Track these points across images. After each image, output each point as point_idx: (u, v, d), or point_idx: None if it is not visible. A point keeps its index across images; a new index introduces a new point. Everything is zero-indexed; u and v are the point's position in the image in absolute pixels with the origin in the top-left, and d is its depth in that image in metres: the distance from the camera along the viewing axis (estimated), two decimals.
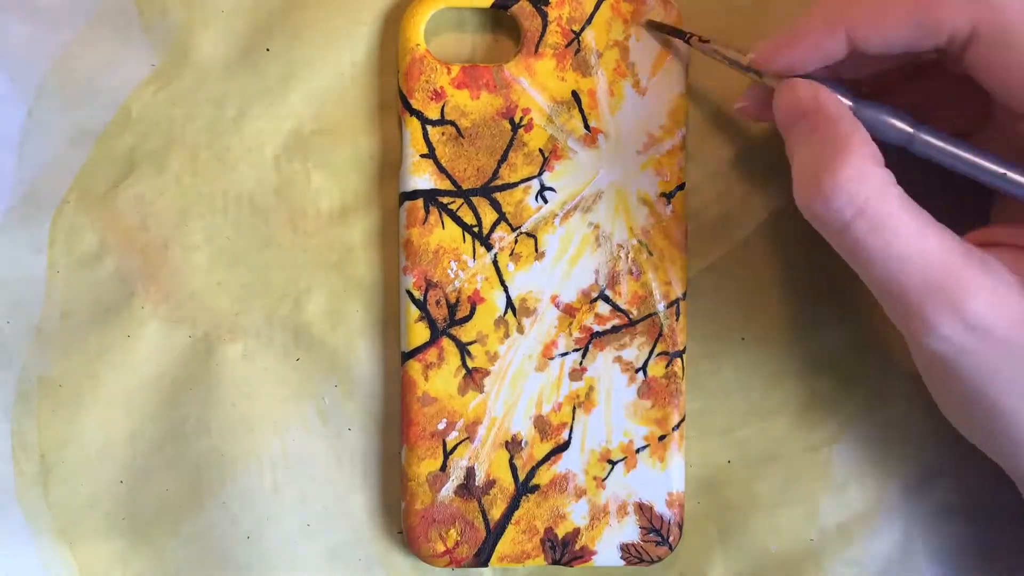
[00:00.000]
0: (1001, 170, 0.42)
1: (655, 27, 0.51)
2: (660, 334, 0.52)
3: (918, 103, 0.47)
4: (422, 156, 0.51)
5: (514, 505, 0.52)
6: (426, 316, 0.51)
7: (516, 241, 0.51)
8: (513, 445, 0.52)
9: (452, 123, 0.51)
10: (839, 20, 0.43)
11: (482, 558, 0.52)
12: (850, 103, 0.44)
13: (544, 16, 0.51)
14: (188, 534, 0.53)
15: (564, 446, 0.52)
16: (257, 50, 0.52)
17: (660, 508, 0.52)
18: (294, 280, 0.53)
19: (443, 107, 0.51)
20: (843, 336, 0.54)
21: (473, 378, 0.51)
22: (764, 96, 0.48)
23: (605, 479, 0.52)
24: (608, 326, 0.52)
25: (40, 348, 0.52)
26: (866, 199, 0.41)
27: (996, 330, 0.41)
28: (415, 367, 0.51)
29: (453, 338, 0.51)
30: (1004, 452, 0.45)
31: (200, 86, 0.52)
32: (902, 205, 0.41)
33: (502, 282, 0.51)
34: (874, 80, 0.47)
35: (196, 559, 0.53)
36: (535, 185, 0.51)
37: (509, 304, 0.51)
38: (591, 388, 0.52)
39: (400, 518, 0.53)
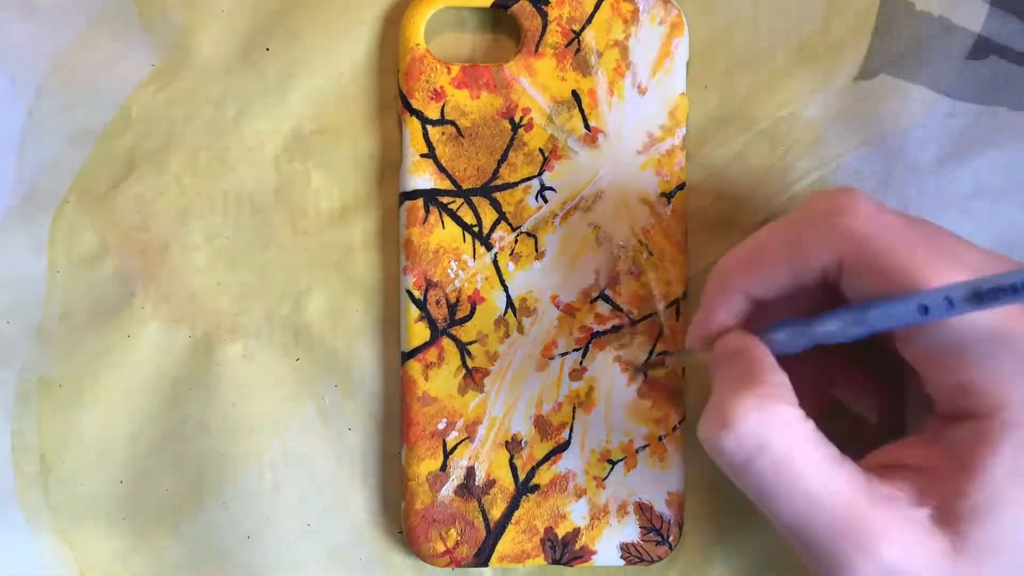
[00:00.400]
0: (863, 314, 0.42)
1: (643, 369, 0.53)
2: (660, 334, 0.52)
3: None
4: (422, 156, 0.51)
5: (514, 505, 0.52)
6: (426, 316, 0.51)
7: (516, 241, 0.51)
8: (513, 445, 0.52)
9: (452, 123, 0.51)
10: (729, 285, 0.45)
11: (482, 558, 0.52)
12: (768, 337, 0.45)
13: (544, 16, 0.51)
14: (188, 534, 0.53)
15: (564, 446, 0.52)
16: (257, 50, 0.52)
17: (660, 508, 0.52)
18: (294, 280, 0.53)
19: (443, 107, 0.51)
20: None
21: (473, 378, 0.51)
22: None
23: (605, 479, 0.52)
24: (608, 326, 0.52)
25: (40, 348, 0.52)
26: (769, 434, 0.41)
27: (909, 572, 0.41)
28: (415, 367, 0.51)
29: (453, 338, 0.51)
30: None
31: (200, 86, 0.52)
32: (807, 442, 0.41)
33: (502, 282, 0.51)
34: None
35: (196, 559, 0.53)
36: (535, 185, 0.51)
37: (509, 304, 0.51)
38: (591, 388, 0.52)
39: (400, 518, 0.53)
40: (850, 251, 0.42)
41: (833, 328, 0.43)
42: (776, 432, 0.41)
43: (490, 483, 0.52)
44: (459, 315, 0.51)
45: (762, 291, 0.44)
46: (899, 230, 0.42)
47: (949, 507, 0.41)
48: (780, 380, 0.42)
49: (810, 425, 0.42)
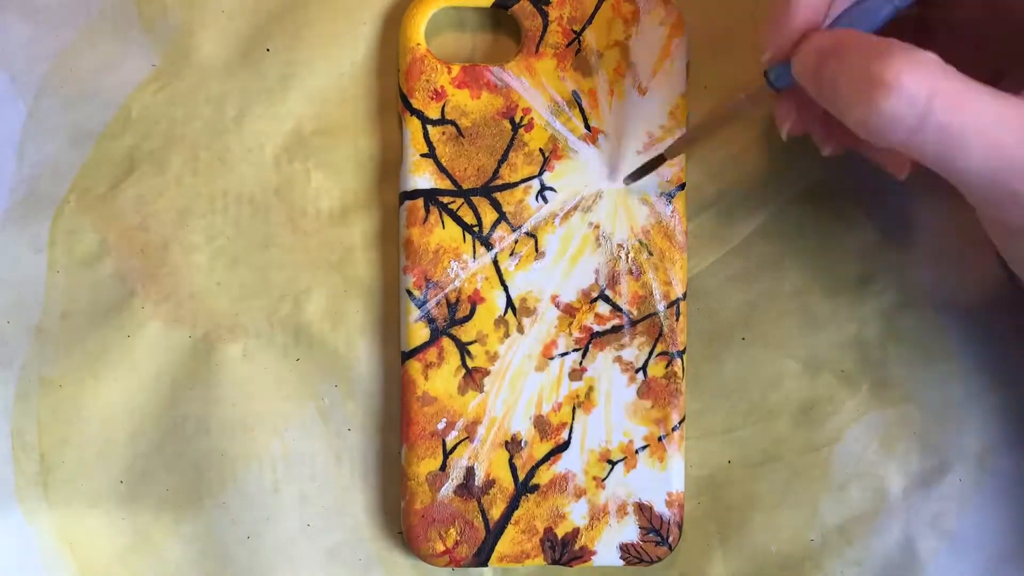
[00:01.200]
0: None
1: (637, 175, 0.51)
2: (660, 334, 0.52)
3: None
4: (422, 156, 0.51)
5: (514, 505, 0.52)
6: (426, 316, 0.51)
7: (516, 241, 0.51)
8: (513, 445, 0.52)
9: (452, 123, 0.51)
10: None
11: (482, 558, 0.52)
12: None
13: (545, 16, 0.51)
14: (188, 534, 0.53)
15: (564, 446, 0.52)
16: (257, 50, 0.52)
17: (660, 508, 0.52)
18: (294, 280, 0.53)
19: (443, 107, 0.51)
20: (843, 336, 0.54)
21: (473, 378, 0.51)
22: (800, 103, 0.46)
23: (605, 479, 0.52)
24: (608, 326, 0.52)
25: (40, 348, 0.52)
26: (933, 82, 0.38)
27: None
28: (415, 367, 0.51)
29: (453, 338, 0.51)
30: None
31: (200, 86, 0.52)
32: (971, 83, 0.39)
33: (502, 282, 0.51)
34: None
35: (196, 559, 0.53)
36: (535, 185, 0.51)
37: (509, 304, 0.51)
38: (591, 388, 0.52)
39: (400, 518, 0.53)
40: None
41: None
42: (942, 77, 0.38)
43: (490, 483, 0.52)
44: (459, 315, 0.51)
45: None
46: None
47: None
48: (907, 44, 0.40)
49: (962, 75, 0.39)
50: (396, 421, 0.53)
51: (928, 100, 0.38)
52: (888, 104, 0.38)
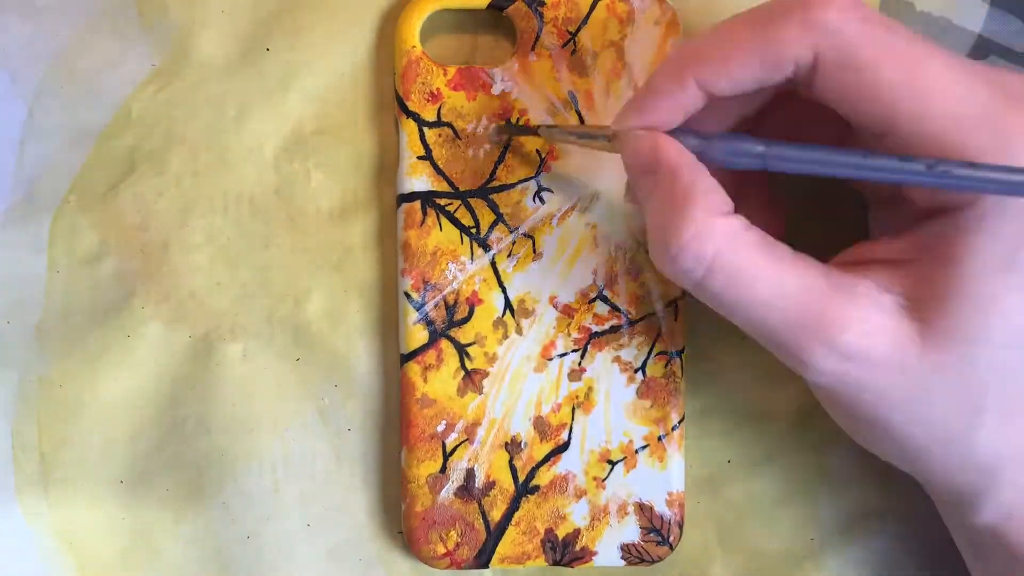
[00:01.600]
0: (856, 159, 0.40)
1: (503, 131, 0.51)
2: (659, 334, 0.52)
3: (790, 129, 0.46)
4: (419, 158, 0.51)
5: (514, 506, 0.52)
6: (424, 318, 0.51)
7: (514, 242, 0.51)
8: (513, 446, 0.52)
9: (449, 125, 0.51)
10: (687, 72, 0.42)
11: (483, 559, 0.52)
12: (696, 142, 0.43)
13: (540, 17, 0.50)
14: (188, 534, 0.53)
15: (564, 447, 0.52)
16: (257, 50, 0.52)
17: (660, 508, 0.52)
18: (294, 280, 0.53)
19: (440, 109, 0.51)
20: None
21: (472, 379, 0.51)
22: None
23: (605, 479, 0.52)
24: (607, 326, 0.52)
25: (40, 348, 0.52)
26: (714, 254, 0.41)
27: (873, 355, 0.41)
28: (414, 369, 0.51)
29: (452, 340, 0.51)
30: (902, 460, 0.45)
31: (200, 86, 0.52)
32: (755, 251, 0.41)
33: (500, 283, 0.51)
34: (741, 115, 0.46)
35: (196, 559, 0.53)
36: (532, 186, 0.51)
37: (507, 305, 0.51)
38: (590, 388, 0.52)
39: (400, 518, 0.53)
40: (828, 46, 0.40)
41: (792, 155, 0.41)
42: (721, 250, 0.41)
43: (490, 485, 0.52)
44: (457, 317, 0.51)
45: (724, 85, 0.42)
46: (879, 27, 0.40)
47: (919, 295, 0.41)
48: (710, 184, 0.42)
49: (755, 232, 0.42)
50: (396, 421, 0.53)
51: (704, 275, 0.41)
52: (667, 267, 0.42)
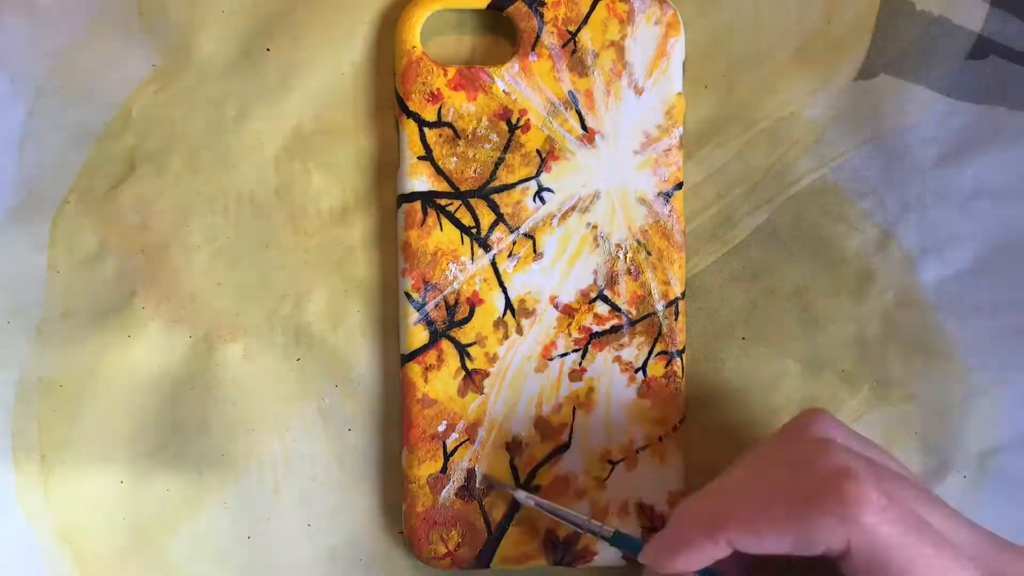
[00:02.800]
0: None
1: (489, 483, 0.52)
2: (659, 334, 0.52)
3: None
4: (419, 158, 0.51)
5: (515, 506, 0.52)
6: (425, 318, 0.51)
7: (514, 242, 0.51)
8: (513, 446, 0.51)
9: (449, 125, 0.51)
10: (720, 533, 0.43)
11: (484, 560, 0.52)
12: None
13: (540, 17, 0.50)
14: (188, 534, 0.53)
15: (564, 447, 0.52)
16: (257, 50, 0.52)
17: (661, 507, 0.52)
18: (294, 280, 0.53)
19: (440, 109, 0.50)
20: (843, 336, 0.54)
21: (473, 380, 0.51)
22: None
23: (606, 479, 0.52)
24: (607, 326, 0.52)
25: (40, 348, 0.52)
26: None
27: None
28: (415, 369, 0.51)
29: (452, 340, 0.51)
30: None
31: (200, 86, 0.52)
32: None
33: (501, 283, 0.51)
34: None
35: (196, 559, 0.53)
36: (533, 186, 0.51)
37: (508, 305, 0.51)
38: (591, 388, 0.52)
39: (401, 518, 0.53)
40: (861, 542, 0.41)
41: None
42: None
43: (491, 485, 0.51)
44: (458, 317, 0.51)
45: (751, 548, 0.43)
46: (909, 528, 0.41)
47: None
48: None
49: None
50: (397, 421, 0.53)
51: None
52: None
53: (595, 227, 0.51)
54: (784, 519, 0.42)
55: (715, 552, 0.43)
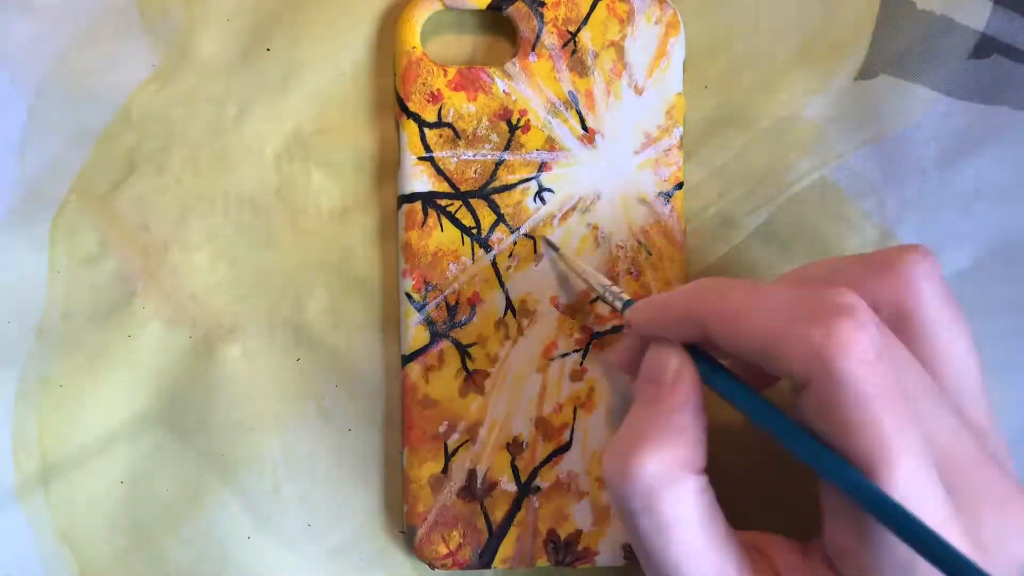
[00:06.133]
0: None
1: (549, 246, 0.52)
2: None
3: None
4: (420, 159, 0.51)
5: (516, 507, 0.52)
6: (426, 319, 0.51)
7: (515, 242, 0.51)
8: (514, 447, 0.51)
9: (450, 125, 0.51)
10: (697, 317, 0.42)
11: (485, 560, 0.52)
12: (709, 371, 0.43)
13: (540, 17, 0.50)
14: (188, 534, 0.53)
15: (566, 447, 0.52)
16: (257, 50, 0.52)
17: None
18: (294, 280, 0.53)
19: (440, 109, 0.50)
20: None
21: (474, 380, 0.51)
22: (638, 352, 0.46)
23: None
24: (608, 327, 0.52)
25: (40, 348, 0.52)
26: (661, 499, 0.40)
27: None
28: (415, 370, 0.51)
29: (453, 340, 0.51)
30: None
31: (200, 86, 0.52)
32: (696, 516, 0.41)
33: (501, 284, 0.51)
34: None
35: (196, 559, 0.53)
36: (533, 186, 0.51)
37: (509, 305, 0.51)
38: (592, 389, 0.52)
39: (401, 518, 0.53)
40: (820, 377, 0.38)
41: (774, 425, 0.41)
42: (670, 500, 0.40)
43: (492, 485, 0.51)
44: (459, 317, 0.51)
45: (725, 346, 0.41)
46: (881, 393, 0.38)
47: None
48: (696, 436, 0.42)
49: (706, 498, 0.41)
50: (397, 421, 0.53)
51: (640, 509, 0.41)
52: (617, 483, 0.41)
53: (596, 227, 0.51)
54: (762, 327, 0.40)
55: (689, 331, 0.42)
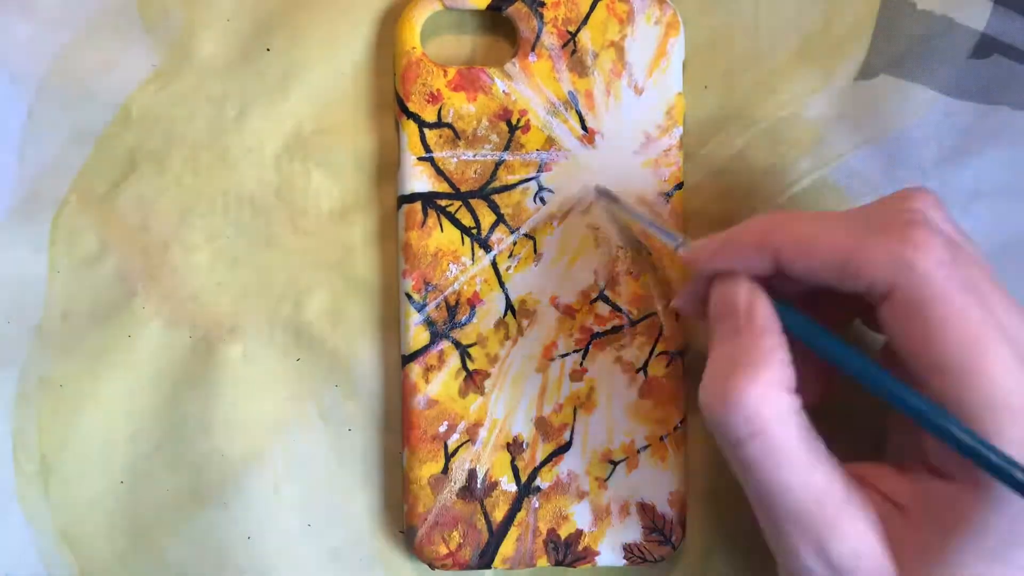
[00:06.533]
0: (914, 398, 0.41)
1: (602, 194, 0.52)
2: (660, 334, 0.52)
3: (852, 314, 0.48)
4: (420, 159, 0.51)
5: (516, 507, 0.52)
6: (426, 319, 0.51)
7: (515, 243, 0.51)
8: (514, 447, 0.51)
9: (449, 125, 0.51)
10: (768, 244, 0.43)
11: (485, 560, 0.52)
12: (780, 309, 0.44)
13: (540, 17, 0.50)
14: (188, 534, 0.53)
15: (565, 447, 0.52)
16: (257, 50, 0.52)
17: (662, 507, 0.52)
18: (294, 280, 0.53)
19: (440, 110, 0.50)
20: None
21: (474, 380, 0.51)
22: (702, 294, 0.47)
23: (607, 479, 0.52)
24: (608, 327, 0.52)
25: (40, 348, 0.52)
26: (766, 421, 0.41)
27: (855, 574, 0.41)
28: (415, 370, 0.51)
29: (453, 340, 0.51)
30: None
31: (200, 86, 0.52)
32: (799, 436, 0.42)
33: (501, 284, 0.51)
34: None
35: (196, 559, 0.53)
36: (533, 186, 0.51)
37: (509, 306, 0.51)
38: (592, 389, 0.52)
39: (401, 518, 0.53)
40: (906, 286, 0.40)
41: (861, 369, 0.42)
42: (775, 420, 0.41)
43: (492, 485, 0.51)
44: (459, 317, 0.51)
45: (797, 271, 0.42)
46: (961, 289, 0.40)
47: (907, 549, 0.42)
48: (784, 358, 0.42)
49: (805, 418, 0.42)
50: (397, 421, 0.53)
51: (749, 435, 0.42)
52: (717, 412, 0.42)
53: (596, 228, 0.51)
54: (839, 243, 0.41)
55: (758, 262, 0.43)
